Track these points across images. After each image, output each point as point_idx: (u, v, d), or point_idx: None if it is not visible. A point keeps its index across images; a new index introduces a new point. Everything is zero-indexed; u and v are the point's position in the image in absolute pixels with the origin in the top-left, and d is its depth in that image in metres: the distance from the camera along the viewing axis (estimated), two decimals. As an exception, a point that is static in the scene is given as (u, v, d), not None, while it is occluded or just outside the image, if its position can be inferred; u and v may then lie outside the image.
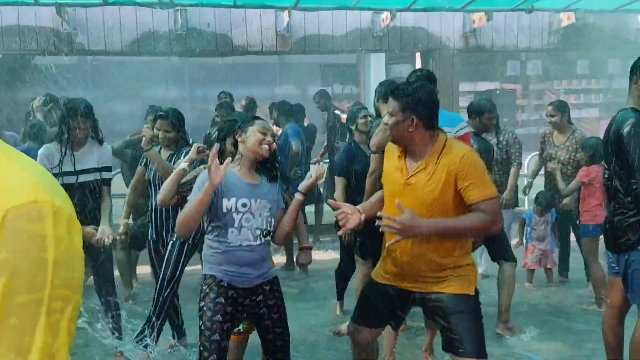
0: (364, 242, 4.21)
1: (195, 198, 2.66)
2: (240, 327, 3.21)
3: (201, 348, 2.67)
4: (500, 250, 4.24)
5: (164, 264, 3.93)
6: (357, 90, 13.37)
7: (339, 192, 4.44)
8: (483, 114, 4.32)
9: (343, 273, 4.74)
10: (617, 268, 3.13)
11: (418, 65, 8.46)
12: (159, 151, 4.01)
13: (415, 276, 2.64)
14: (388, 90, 3.97)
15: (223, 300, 2.73)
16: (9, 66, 8.48)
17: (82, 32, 6.46)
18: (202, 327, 2.70)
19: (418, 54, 8.25)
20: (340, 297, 4.84)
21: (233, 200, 2.71)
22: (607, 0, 7.12)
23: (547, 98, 13.16)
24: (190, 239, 3.77)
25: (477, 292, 2.64)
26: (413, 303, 2.77)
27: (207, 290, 2.75)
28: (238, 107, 7.10)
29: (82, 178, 3.62)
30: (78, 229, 0.83)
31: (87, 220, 3.62)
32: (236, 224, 2.72)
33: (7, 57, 7.78)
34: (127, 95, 11.93)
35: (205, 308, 2.72)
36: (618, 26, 7.62)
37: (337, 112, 7.75)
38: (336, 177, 4.51)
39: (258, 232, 2.77)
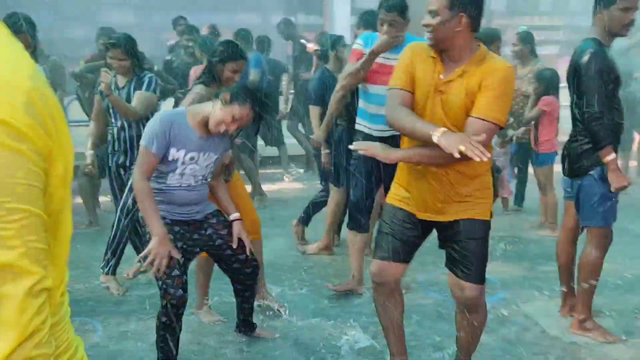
0: (339, 169, 4.27)
1: None
2: None
3: (164, 286, 2.69)
4: None
5: (125, 192, 3.91)
6: (321, 20, 13.10)
7: (315, 121, 4.46)
8: (493, 42, 4.21)
9: (318, 202, 4.82)
10: (571, 193, 3.30)
11: (384, -5, 8.32)
12: (115, 77, 3.93)
13: (434, 205, 2.50)
14: (371, 18, 3.92)
15: (172, 237, 2.79)
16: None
17: (33, -52, 6.07)
18: None
19: (385, -17, 8.09)
20: (305, 222, 4.89)
21: (182, 152, 2.77)
22: None
23: (511, 34, 13.18)
24: None
25: (491, 215, 2.56)
26: (430, 231, 2.64)
27: None
28: (200, 35, 6.86)
29: None
30: (25, 136, 0.80)
31: None
32: (178, 171, 2.80)
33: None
34: (81, 19, 11.40)
35: None
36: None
37: (302, 41, 7.62)
38: (311, 106, 4.53)
39: (200, 177, 2.88)
